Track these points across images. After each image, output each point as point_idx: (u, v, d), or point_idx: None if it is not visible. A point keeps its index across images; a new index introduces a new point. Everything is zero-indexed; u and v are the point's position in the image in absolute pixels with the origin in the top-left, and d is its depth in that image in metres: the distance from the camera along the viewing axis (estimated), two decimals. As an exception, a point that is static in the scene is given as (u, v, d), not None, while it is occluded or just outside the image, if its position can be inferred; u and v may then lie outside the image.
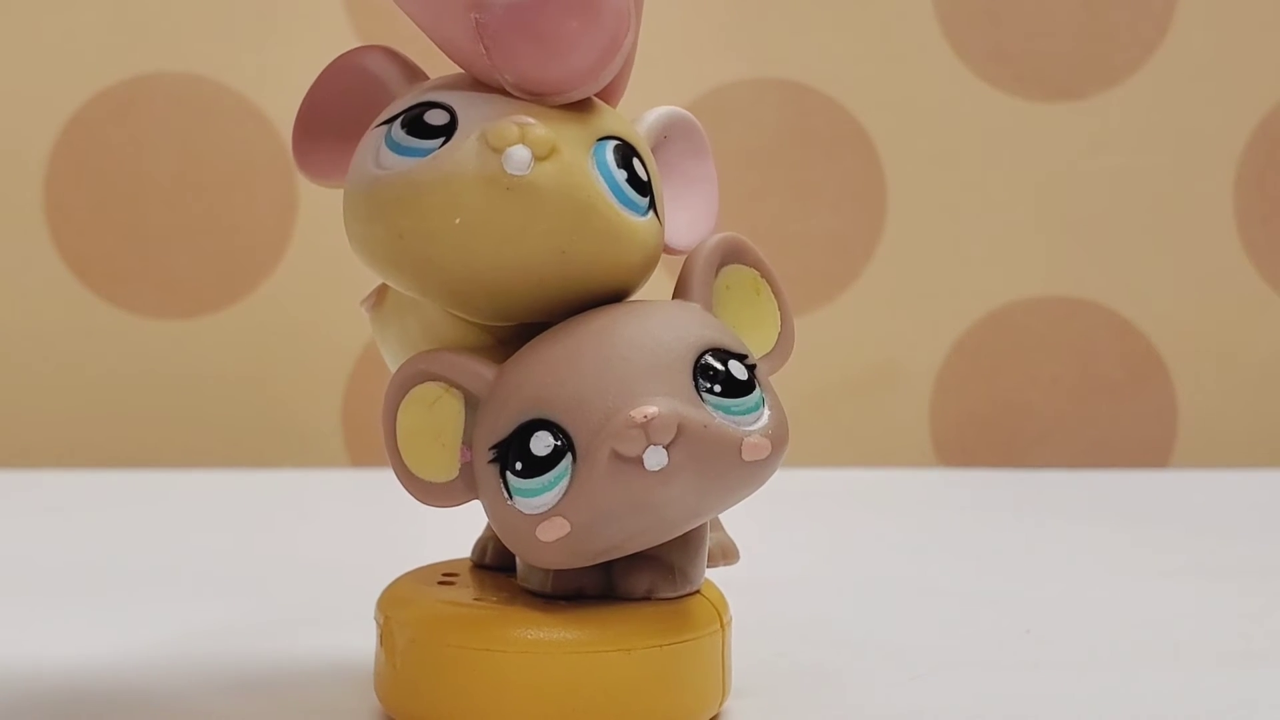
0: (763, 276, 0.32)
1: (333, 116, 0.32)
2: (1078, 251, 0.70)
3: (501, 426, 0.29)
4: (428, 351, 0.30)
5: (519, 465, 0.29)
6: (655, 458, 0.28)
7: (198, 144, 0.68)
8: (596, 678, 0.30)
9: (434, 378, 0.30)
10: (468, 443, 0.30)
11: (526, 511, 0.29)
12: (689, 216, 0.33)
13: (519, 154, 0.28)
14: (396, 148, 0.29)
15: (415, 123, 0.30)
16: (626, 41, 0.30)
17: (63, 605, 0.43)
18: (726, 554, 0.35)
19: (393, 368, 0.33)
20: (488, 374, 0.30)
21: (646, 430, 0.28)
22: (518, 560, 0.32)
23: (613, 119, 0.31)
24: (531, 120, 0.29)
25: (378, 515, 0.54)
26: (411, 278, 0.30)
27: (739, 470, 0.29)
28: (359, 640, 0.35)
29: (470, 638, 0.30)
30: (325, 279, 0.67)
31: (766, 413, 0.30)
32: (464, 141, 0.29)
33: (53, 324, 0.68)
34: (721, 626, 0.32)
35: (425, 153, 0.29)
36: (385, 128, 0.30)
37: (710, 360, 0.29)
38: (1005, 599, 0.44)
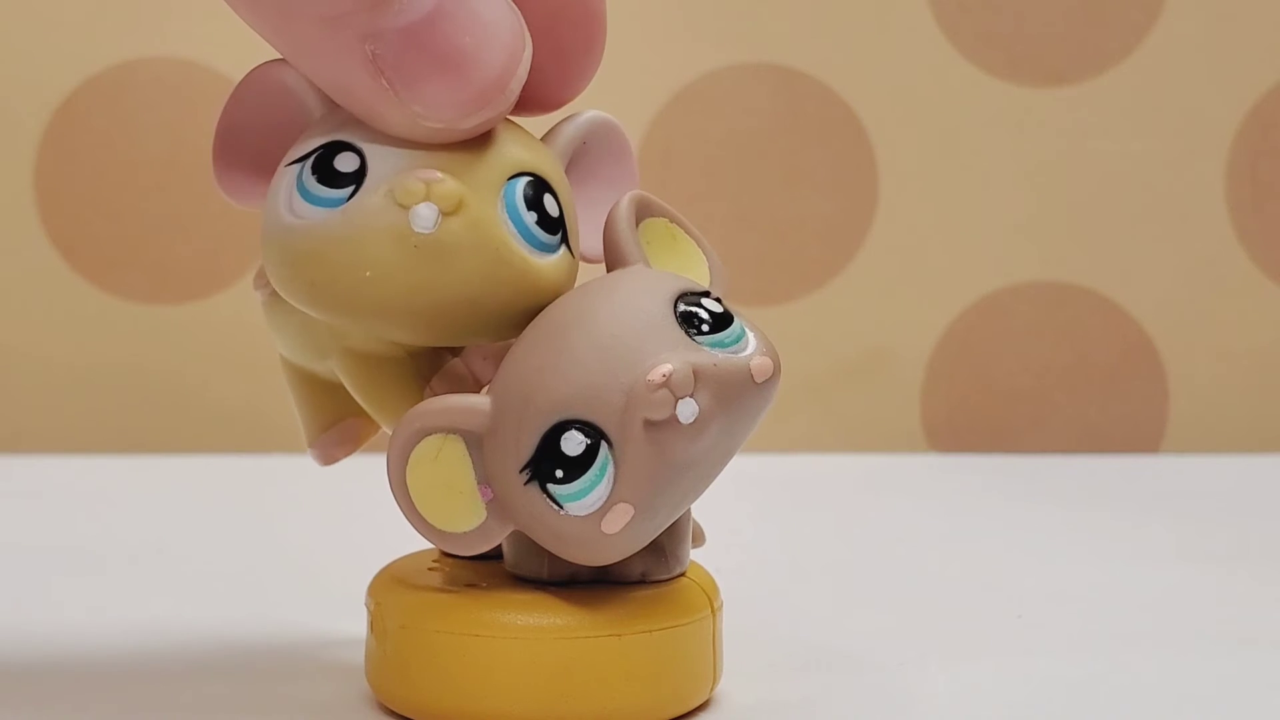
0: (673, 221, 0.32)
1: (251, 136, 0.31)
2: (1069, 237, 0.70)
3: (524, 446, 0.29)
4: (416, 407, 0.30)
5: (559, 473, 0.29)
6: (687, 409, 0.28)
7: (188, 129, 0.67)
8: (588, 663, 0.30)
9: (431, 431, 0.30)
10: (484, 480, 0.30)
11: (583, 514, 0.29)
12: None
13: (425, 213, 0.29)
14: (308, 196, 0.29)
15: (325, 168, 0.30)
16: (525, 53, 0.29)
17: (47, 592, 0.43)
18: (696, 537, 0.35)
19: (290, 357, 0.33)
20: (483, 406, 0.30)
21: (670, 387, 0.28)
22: (506, 546, 0.32)
23: (524, 149, 0.31)
24: (438, 175, 0.29)
25: (369, 500, 0.54)
26: (329, 318, 0.30)
27: (755, 395, 0.29)
28: (350, 626, 0.35)
29: (461, 623, 0.30)
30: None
31: (752, 335, 0.30)
32: (372, 196, 0.29)
33: (42, 309, 0.67)
34: (712, 611, 0.32)
35: (336, 203, 0.29)
36: (297, 168, 0.30)
37: (686, 306, 0.30)
38: (996, 584, 0.44)
